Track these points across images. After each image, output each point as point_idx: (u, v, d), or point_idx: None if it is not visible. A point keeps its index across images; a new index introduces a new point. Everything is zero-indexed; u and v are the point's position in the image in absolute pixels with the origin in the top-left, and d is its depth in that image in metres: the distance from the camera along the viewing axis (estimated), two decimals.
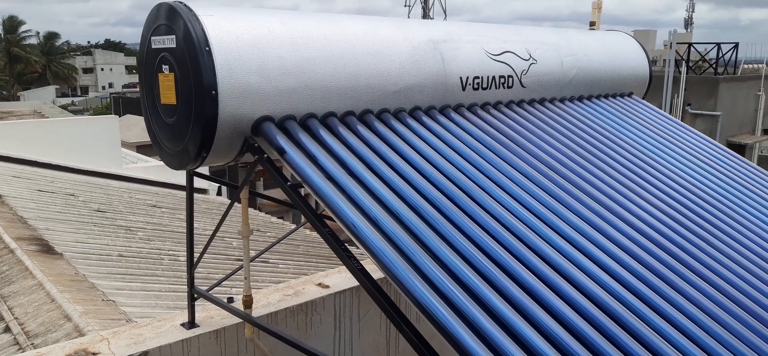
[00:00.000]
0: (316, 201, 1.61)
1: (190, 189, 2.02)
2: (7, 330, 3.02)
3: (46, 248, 4.26)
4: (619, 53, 2.99)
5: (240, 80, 1.60)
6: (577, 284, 1.51)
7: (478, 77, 2.22)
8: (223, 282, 2.44)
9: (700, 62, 20.35)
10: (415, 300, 1.34)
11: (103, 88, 53.93)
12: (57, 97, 41.65)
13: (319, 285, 2.54)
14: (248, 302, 2.07)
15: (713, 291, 1.69)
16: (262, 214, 7.59)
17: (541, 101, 2.53)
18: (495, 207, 1.69)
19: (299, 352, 1.92)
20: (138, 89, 1.89)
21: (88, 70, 56.54)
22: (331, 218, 1.58)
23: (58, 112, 14.86)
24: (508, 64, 2.34)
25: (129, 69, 56.42)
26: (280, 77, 1.68)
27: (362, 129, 1.84)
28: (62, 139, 8.78)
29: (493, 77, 2.28)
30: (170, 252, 4.76)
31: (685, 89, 17.58)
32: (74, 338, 2.31)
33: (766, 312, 1.69)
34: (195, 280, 2.12)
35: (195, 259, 2.10)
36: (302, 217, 1.74)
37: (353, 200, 1.55)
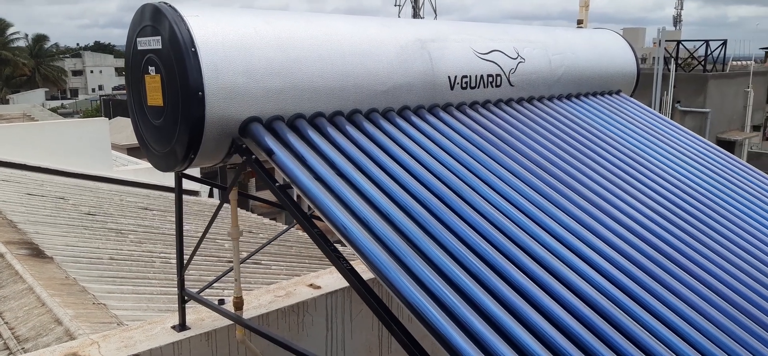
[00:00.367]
0: (306, 202, 1.60)
1: (178, 191, 2.01)
2: None
3: (36, 252, 4.23)
4: (607, 51, 3.01)
5: (227, 81, 1.60)
6: (568, 282, 1.51)
7: (466, 76, 2.22)
8: (215, 284, 2.43)
9: (689, 60, 20.48)
10: (405, 300, 1.34)
11: (93, 90, 53.61)
12: (46, 100, 41.36)
13: (311, 285, 2.53)
14: (239, 304, 2.07)
15: (702, 287, 1.70)
16: (254, 215, 7.57)
17: (530, 100, 2.54)
18: (485, 207, 1.69)
19: (291, 354, 1.91)
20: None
21: (77, 73, 56.19)
22: (320, 219, 1.58)
23: (48, 115, 14.77)
24: (496, 63, 2.34)
25: (119, 71, 56.07)
26: (267, 78, 1.68)
27: (351, 129, 1.84)
28: (52, 142, 8.73)
29: (482, 76, 2.28)
30: (161, 255, 4.74)
31: (674, 86, 17.69)
32: (65, 342, 2.30)
33: (755, 307, 1.71)
34: (186, 282, 2.11)
35: (185, 261, 2.09)
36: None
37: (343, 201, 1.54)
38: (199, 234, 2.05)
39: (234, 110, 1.63)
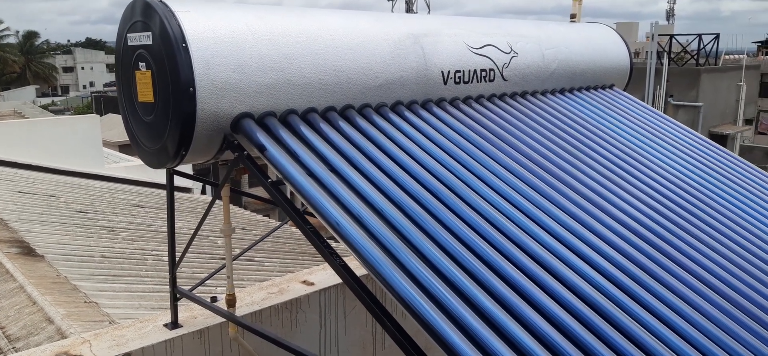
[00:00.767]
0: (299, 199, 1.59)
1: (170, 188, 1.99)
2: None
3: (27, 251, 4.20)
4: (600, 45, 3.01)
5: (218, 77, 1.58)
6: (561, 277, 1.51)
7: (459, 71, 2.22)
8: (208, 282, 2.42)
9: (682, 54, 20.56)
10: (399, 296, 1.33)
11: (84, 87, 53.28)
12: (37, 97, 41.07)
13: (304, 282, 2.52)
14: (232, 301, 2.05)
15: (696, 282, 1.70)
16: (247, 212, 7.54)
17: (523, 94, 2.53)
18: (478, 202, 1.68)
19: (284, 350, 1.90)
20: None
21: (68, 69, 55.84)
22: (313, 215, 1.57)
23: (39, 112, 14.66)
24: (489, 58, 2.34)
25: (110, 68, 55.77)
26: (259, 73, 1.66)
27: (344, 125, 1.83)
28: (43, 139, 8.67)
29: (475, 71, 2.27)
30: (154, 252, 4.72)
31: (667, 81, 17.76)
32: (56, 341, 2.28)
33: (749, 302, 1.71)
34: (179, 280, 2.10)
35: (177, 259, 2.07)
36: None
37: (335, 197, 1.54)
38: (191, 231, 2.03)
39: (225, 106, 1.61)
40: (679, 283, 1.65)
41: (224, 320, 2.10)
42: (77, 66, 56.54)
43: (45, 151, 8.32)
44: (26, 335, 2.88)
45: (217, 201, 1.94)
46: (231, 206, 2.03)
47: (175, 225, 2.07)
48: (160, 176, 7.69)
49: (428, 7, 37.27)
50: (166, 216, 2.20)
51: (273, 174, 1.73)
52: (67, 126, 9.38)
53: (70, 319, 2.91)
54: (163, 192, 7.55)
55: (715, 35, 19.77)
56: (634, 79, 3.27)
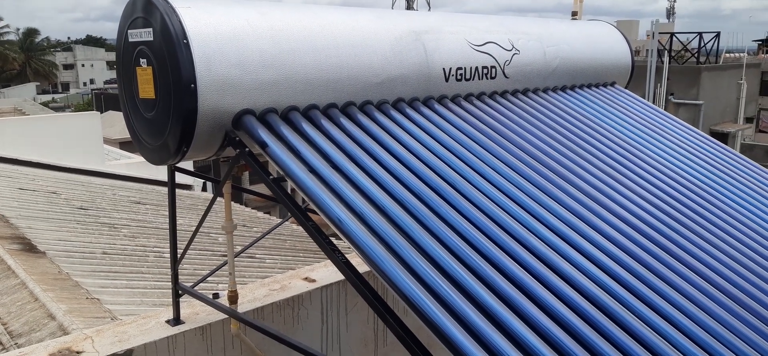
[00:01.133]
0: (301, 195, 1.59)
1: (171, 185, 1.99)
2: None
3: (29, 247, 4.20)
4: (602, 43, 3.00)
5: (219, 73, 1.58)
6: (563, 273, 1.51)
7: (461, 68, 2.21)
8: (210, 278, 2.42)
9: (683, 52, 20.53)
10: (401, 293, 1.33)
11: (85, 84, 53.25)
12: (37, 94, 41.05)
13: (306, 279, 2.52)
14: (234, 297, 2.06)
15: (699, 279, 1.70)
16: (248, 209, 7.55)
17: (525, 92, 2.53)
18: (481, 199, 1.68)
19: (286, 347, 1.90)
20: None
21: (68, 67, 55.83)
22: (315, 212, 1.57)
23: (39, 109, 14.65)
24: (490, 55, 2.33)
25: (110, 65, 55.75)
26: (260, 70, 1.66)
27: (345, 121, 1.82)
28: (43, 136, 8.67)
29: (476, 68, 2.27)
30: (155, 249, 4.72)
31: (667, 79, 17.74)
32: (58, 337, 2.28)
33: (750, 298, 1.71)
34: (180, 276, 2.10)
35: (179, 255, 2.07)
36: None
37: (338, 194, 1.53)
38: (193, 228, 2.03)
39: (227, 103, 1.61)
40: (683, 281, 1.65)
41: (226, 316, 2.10)
42: (77, 63, 56.51)
43: (46, 148, 8.33)
44: (28, 331, 2.88)
45: (219, 198, 1.94)
46: (232, 203, 2.03)
47: (177, 222, 2.07)
48: (161, 172, 7.69)
49: (428, 4, 37.24)
50: (167, 213, 2.20)
51: (274, 171, 1.73)
52: (68, 123, 9.38)
53: (72, 315, 2.91)
54: (164, 189, 7.55)
55: (715, 33, 19.74)
56: (635, 78, 3.26)
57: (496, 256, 1.48)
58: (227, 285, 2.06)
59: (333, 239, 1.59)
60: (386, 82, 1.98)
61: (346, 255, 1.51)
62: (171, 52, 1.54)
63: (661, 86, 17.48)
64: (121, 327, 2.08)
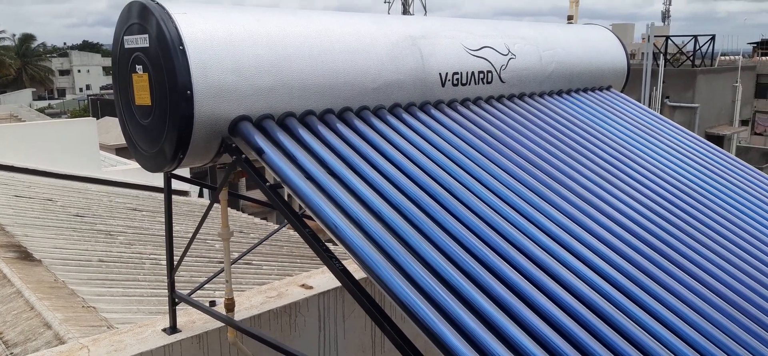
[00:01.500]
0: (297, 202, 1.58)
1: (168, 192, 1.98)
2: None
3: (25, 255, 4.18)
4: (597, 47, 3.01)
5: (215, 79, 1.58)
6: (561, 279, 1.51)
7: (457, 73, 2.21)
8: (206, 285, 2.41)
9: (678, 55, 20.61)
10: (398, 299, 1.33)
11: (81, 90, 53.18)
12: (33, 100, 40.98)
13: (303, 286, 2.51)
14: (230, 305, 2.05)
15: (694, 282, 1.70)
16: (244, 215, 7.53)
17: (521, 96, 2.53)
18: (478, 204, 1.68)
19: (283, 355, 1.90)
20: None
21: (64, 72, 55.76)
22: (312, 218, 1.56)
23: (35, 115, 14.62)
24: (486, 60, 2.34)
25: (106, 70, 55.69)
26: (256, 76, 1.66)
27: (342, 127, 1.82)
28: (39, 143, 8.64)
29: (473, 73, 2.27)
30: (151, 256, 4.70)
31: (663, 82, 17.80)
32: (54, 346, 2.27)
33: (747, 301, 1.71)
34: (177, 284, 2.09)
35: (175, 263, 2.07)
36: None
37: (334, 199, 1.53)
38: (190, 235, 2.02)
39: (223, 109, 1.61)
40: (677, 283, 1.65)
41: (223, 324, 2.09)
42: (74, 69, 56.45)
43: (42, 154, 8.30)
44: (24, 340, 2.87)
45: (215, 204, 1.94)
46: (228, 209, 2.03)
47: (173, 229, 2.06)
48: (157, 179, 7.67)
49: (424, 8, 37.31)
50: (163, 220, 2.19)
51: (271, 177, 1.72)
52: (64, 129, 9.36)
53: (68, 324, 2.90)
54: (161, 195, 7.53)
55: (710, 36, 19.83)
56: (631, 81, 3.27)
57: (492, 260, 1.48)
58: (224, 293, 2.05)
59: (329, 245, 1.59)
60: (383, 88, 1.98)
61: (343, 261, 1.51)
62: (167, 59, 1.54)
63: (656, 89, 17.54)
64: (118, 336, 2.07)
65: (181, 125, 1.56)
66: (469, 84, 2.27)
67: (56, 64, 54.94)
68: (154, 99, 1.62)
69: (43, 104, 41.37)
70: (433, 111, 2.12)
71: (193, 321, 2.15)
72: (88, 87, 53.67)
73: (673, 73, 18.80)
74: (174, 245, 2.07)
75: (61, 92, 52.72)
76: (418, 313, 1.29)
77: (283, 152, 1.64)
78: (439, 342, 1.26)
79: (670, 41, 20.08)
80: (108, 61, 55.88)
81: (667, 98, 18.29)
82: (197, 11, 1.63)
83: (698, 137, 2.86)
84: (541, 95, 2.63)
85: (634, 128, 2.66)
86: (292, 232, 6.18)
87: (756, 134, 23.63)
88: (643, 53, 17.60)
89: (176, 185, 2.05)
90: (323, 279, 2.57)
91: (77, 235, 4.99)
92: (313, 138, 1.71)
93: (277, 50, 1.71)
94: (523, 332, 1.31)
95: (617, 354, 1.35)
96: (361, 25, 2.00)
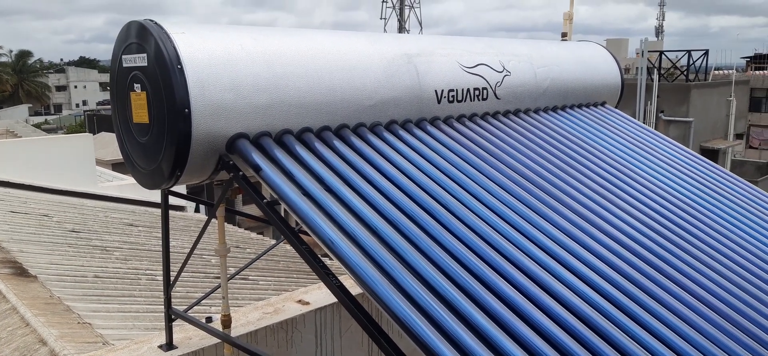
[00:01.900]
0: (294, 218, 1.59)
1: (165, 208, 1.99)
2: None
3: (20, 271, 4.17)
4: (591, 63, 3.04)
5: (213, 98, 1.59)
6: (556, 294, 1.52)
7: (452, 90, 2.24)
8: (203, 301, 2.41)
9: (672, 70, 20.75)
10: (394, 315, 1.33)
11: (77, 105, 53.15)
12: (30, 115, 40.93)
13: (300, 301, 2.52)
14: (227, 321, 2.05)
15: (688, 296, 1.71)
16: (241, 230, 7.52)
17: (516, 112, 2.56)
18: (473, 219, 1.69)
19: None
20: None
21: (61, 88, 55.76)
22: (308, 234, 1.57)
23: (31, 131, 14.60)
24: (482, 77, 2.36)
25: (103, 86, 55.72)
26: (254, 94, 1.68)
27: (339, 144, 1.84)
28: (35, 158, 8.63)
29: (468, 90, 2.29)
30: (148, 272, 4.69)
31: (657, 97, 17.91)
32: None
33: (740, 315, 1.72)
34: (173, 300, 2.09)
35: (172, 279, 2.07)
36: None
37: (330, 215, 1.54)
38: (186, 250, 2.03)
39: (221, 127, 1.62)
40: (673, 299, 1.66)
41: (219, 341, 2.09)
42: (70, 84, 56.46)
43: (37, 170, 8.28)
44: None
45: (212, 220, 1.94)
46: (225, 223, 2.04)
47: (170, 245, 2.07)
48: (153, 194, 7.65)
49: (420, 24, 37.53)
50: (159, 235, 2.20)
51: (268, 194, 1.73)
52: (60, 145, 9.34)
53: (63, 341, 2.88)
54: (157, 211, 7.52)
55: (704, 51, 19.99)
56: (625, 96, 3.30)
57: (487, 276, 1.49)
58: (220, 309, 2.05)
59: (325, 260, 1.59)
60: (379, 105, 2.00)
61: (339, 277, 1.52)
62: (165, 77, 1.55)
63: (651, 104, 17.64)
64: (114, 353, 2.07)
65: (179, 142, 1.57)
66: (465, 101, 2.29)
67: (53, 79, 54.97)
68: (152, 117, 1.64)
69: (40, 119, 41.31)
70: (429, 128, 2.14)
71: (189, 338, 2.15)
72: (84, 103, 53.64)
73: (667, 88, 18.92)
74: (170, 261, 2.08)
75: (58, 108, 52.70)
76: (413, 328, 1.30)
77: (280, 168, 1.65)
78: None
79: (664, 56, 20.24)
80: (105, 77, 55.95)
81: (662, 112, 18.40)
82: (195, 30, 1.65)
83: (692, 152, 2.89)
84: (535, 111, 2.65)
85: (628, 143, 2.68)
86: (288, 247, 6.17)
87: (751, 147, 23.77)
88: (637, 68, 17.73)
89: (172, 200, 2.06)
90: (320, 295, 2.57)
91: (73, 251, 4.97)
92: (309, 155, 1.73)
93: (274, 68, 1.73)
94: (518, 346, 1.32)
95: None
96: (358, 44, 2.03)
